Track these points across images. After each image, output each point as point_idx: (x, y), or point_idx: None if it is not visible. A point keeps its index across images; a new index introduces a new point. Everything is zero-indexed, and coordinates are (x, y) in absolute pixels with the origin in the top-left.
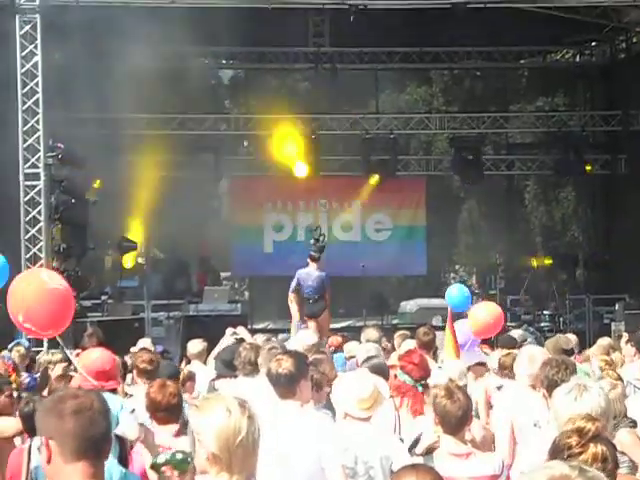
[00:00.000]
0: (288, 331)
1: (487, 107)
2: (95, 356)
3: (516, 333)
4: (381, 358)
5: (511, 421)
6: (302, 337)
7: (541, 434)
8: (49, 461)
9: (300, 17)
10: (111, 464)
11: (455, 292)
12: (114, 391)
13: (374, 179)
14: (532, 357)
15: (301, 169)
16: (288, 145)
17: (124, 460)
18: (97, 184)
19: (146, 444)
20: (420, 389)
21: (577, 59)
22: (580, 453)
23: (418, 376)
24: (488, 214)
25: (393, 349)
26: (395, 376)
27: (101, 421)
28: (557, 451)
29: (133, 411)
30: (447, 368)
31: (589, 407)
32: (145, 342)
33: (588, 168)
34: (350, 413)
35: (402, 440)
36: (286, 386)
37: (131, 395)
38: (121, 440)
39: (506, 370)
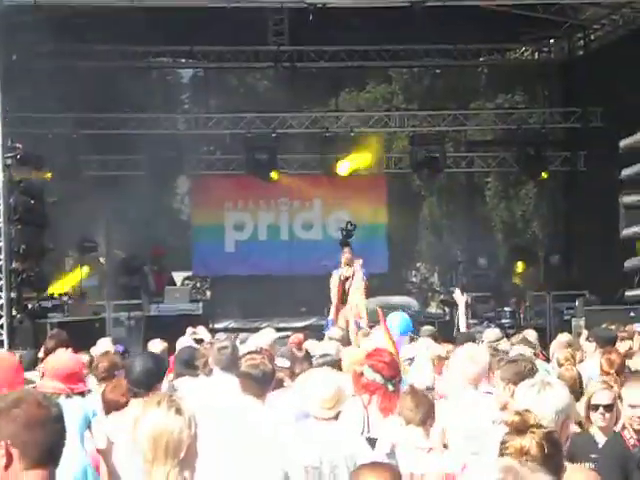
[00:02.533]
0: (249, 330)
1: (447, 105)
2: (62, 359)
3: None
4: (335, 356)
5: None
6: (263, 334)
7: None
8: (7, 467)
9: (259, 16)
10: (86, 464)
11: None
12: (82, 394)
13: (335, 177)
14: (473, 357)
15: (263, 168)
16: (249, 144)
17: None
18: (48, 176)
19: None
20: (391, 388)
21: (535, 56)
22: (507, 448)
23: (389, 375)
24: (449, 211)
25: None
26: (361, 373)
27: (61, 430)
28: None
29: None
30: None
31: (550, 403)
32: (105, 342)
33: (545, 175)
34: (313, 413)
35: (370, 439)
36: (264, 384)
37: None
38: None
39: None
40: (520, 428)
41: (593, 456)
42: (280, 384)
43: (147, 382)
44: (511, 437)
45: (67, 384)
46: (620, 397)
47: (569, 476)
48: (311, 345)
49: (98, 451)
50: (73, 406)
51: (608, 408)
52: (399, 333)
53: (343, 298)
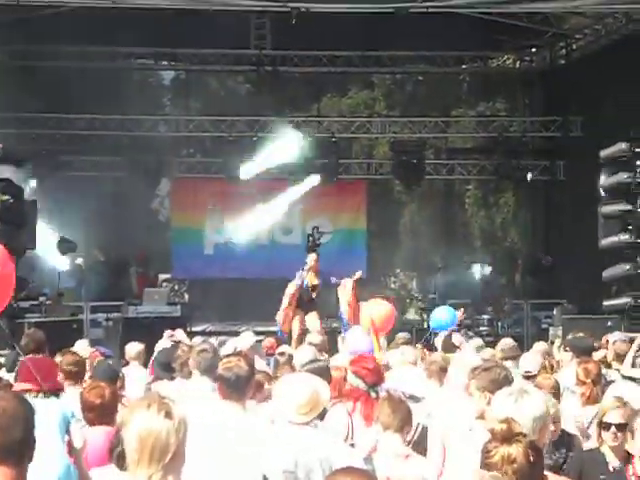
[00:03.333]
0: (227, 333)
1: (428, 112)
2: (37, 360)
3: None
4: (322, 362)
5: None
6: (242, 338)
7: (472, 438)
8: None
9: (242, 19)
10: (69, 465)
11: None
12: (57, 394)
13: (315, 182)
14: (465, 365)
15: (243, 172)
16: (230, 147)
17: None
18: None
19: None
20: (373, 395)
21: (517, 65)
22: (493, 456)
23: (371, 381)
24: (428, 218)
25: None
26: (344, 379)
27: (15, 427)
28: (481, 456)
29: (80, 421)
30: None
31: (528, 411)
32: (82, 344)
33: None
34: (288, 418)
35: (353, 445)
36: (240, 388)
37: None
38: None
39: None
40: (507, 436)
41: (602, 477)
42: (260, 388)
43: None
44: (496, 445)
45: (43, 382)
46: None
47: None
48: (285, 349)
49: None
50: (52, 407)
51: (620, 427)
52: (449, 324)
53: (308, 306)
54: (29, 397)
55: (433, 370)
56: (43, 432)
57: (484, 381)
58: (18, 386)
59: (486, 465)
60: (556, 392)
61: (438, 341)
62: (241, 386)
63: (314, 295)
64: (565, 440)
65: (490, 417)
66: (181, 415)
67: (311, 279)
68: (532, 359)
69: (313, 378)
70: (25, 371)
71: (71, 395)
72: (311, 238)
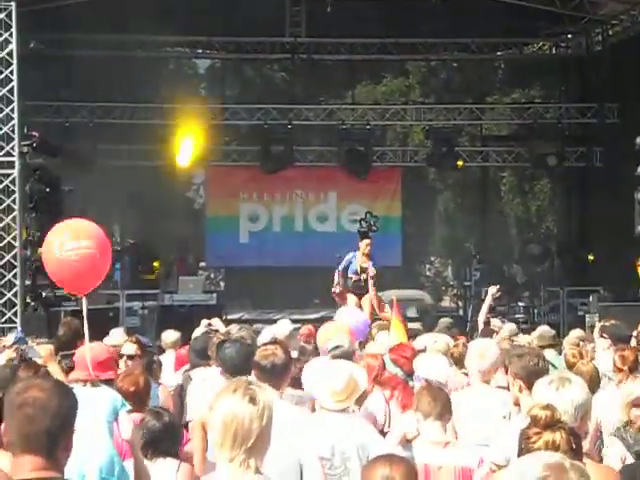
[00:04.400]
0: (263, 321)
1: (463, 99)
2: (92, 346)
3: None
4: (346, 347)
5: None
6: (279, 326)
7: (510, 426)
8: (5, 448)
9: (277, 7)
10: (112, 452)
11: None
12: (111, 383)
13: (350, 170)
14: (482, 352)
15: (277, 159)
16: (265, 135)
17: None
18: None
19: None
20: (411, 383)
21: (553, 51)
22: (535, 442)
23: (409, 370)
24: (463, 206)
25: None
26: (383, 366)
27: (44, 418)
28: (520, 442)
29: (130, 411)
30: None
31: (569, 399)
32: (118, 332)
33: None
34: (325, 406)
35: (389, 433)
36: (277, 376)
37: None
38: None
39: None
40: (549, 423)
41: None
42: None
43: None
44: (538, 431)
45: (95, 371)
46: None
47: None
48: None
49: (125, 442)
50: (101, 395)
51: None
52: None
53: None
54: (78, 387)
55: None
56: (88, 422)
57: (516, 368)
58: (72, 375)
59: (527, 451)
60: (595, 379)
61: (480, 323)
62: (277, 374)
63: (364, 277)
64: None
65: (524, 404)
66: (266, 400)
67: (360, 262)
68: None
69: (350, 365)
70: (79, 360)
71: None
72: (365, 223)
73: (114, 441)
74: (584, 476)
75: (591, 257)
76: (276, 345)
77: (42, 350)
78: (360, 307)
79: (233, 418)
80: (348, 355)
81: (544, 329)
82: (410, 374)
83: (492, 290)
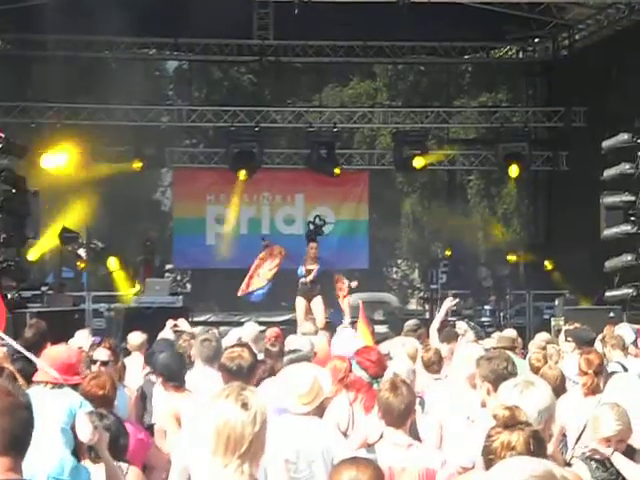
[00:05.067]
0: (229, 324)
1: (431, 102)
2: (61, 349)
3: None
4: (306, 351)
5: (440, 419)
6: (246, 328)
7: (474, 427)
8: None
9: (245, 9)
10: (64, 456)
11: None
12: (76, 387)
13: (316, 172)
14: (469, 357)
15: (245, 162)
16: (232, 137)
17: (77, 452)
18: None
19: (99, 447)
20: (375, 386)
21: (520, 55)
22: (493, 442)
23: (374, 373)
24: (430, 209)
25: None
26: (350, 369)
27: (29, 419)
28: (485, 440)
29: (91, 412)
30: (394, 365)
31: (532, 403)
32: (84, 333)
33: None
34: (290, 408)
35: (352, 435)
36: (243, 378)
37: None
38: (75, 433)
39: (433, 366)
40: (508, 423)
41: None
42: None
43: None
44: (498, 431)
45: (61, 375)
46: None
47: None
48: (290, 340)
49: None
50: (59, 398)
51: None
52: None
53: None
54: (39, 387)
55: (431, 361)
56: (39, 425)
57: (485, 370)
58: (36, 377)
59: (486, 450)
60: (561, 383)
61: (433, 331)
62: (244, 376)
63: (309, 278)
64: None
65: (490, 407)
66: (259, 405)
67: (307, 265)
68: None
69: (315, 368)
70: (46, 361)
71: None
72: (312, 226)
73: (74, 443)
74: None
75: (549, 265)
76: (242, 347)
77: None
78: (309, 310)
79: (225, 424)
80: (307, 359)
81: (505, 332)
82: (375, 377)
83: (448, 303)
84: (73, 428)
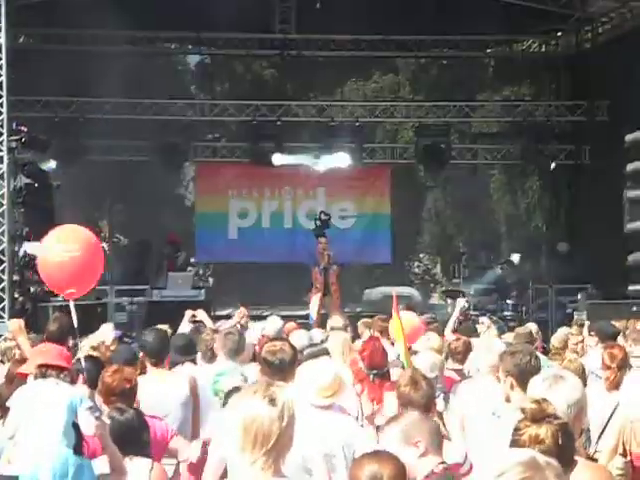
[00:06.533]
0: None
1: (453, 96)
2: (52, 345)
3: (483, 321)
4: (323, 345)
5: (464, 412)
6: (270, 322)
7: (499, 423)
8: None
9: (267, 3)
10: (67, 453)
11: None
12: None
13: (339, 167)
14: (491, 349)
15: (267, 156)
16: (254, 132)
17: (80, 448)
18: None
19: (103, 440)
20: (371, 378)
21: (543, 49)
22: (521, 435)
23: (368, 365)
24: (453, 203)
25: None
26: (357, 363)
27: None
28: (512, 434)
29: (91, 408)
30: (419, 359)
31: (562, 397)
32: (108, 327)
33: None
34: (311, 401)
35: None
36: (284, 371)
37: None
38: (78, 430)
39: (458, 355)
40: (537, 417)
41: None
42: None
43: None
44: (526, 425)
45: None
46: None
47: (580, 471)
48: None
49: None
50: (59, 394)
51: None
52: None
53: (325, 289)
54: (39, 381)
55: (457, 350)
56: (44, 423)
57: (508, 365)
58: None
59: (514, 443)
60: (582, 376)
61: (448, 333)
62: (285, 370)
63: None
64: None
65: (514, 401)
66: (286, 401)
67: (324, 264)
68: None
69: (332, 362)
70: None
71: None
72: (319, 222)
73: (77, 439)
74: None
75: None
76: (283, 341)
77: (10, 325)
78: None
79: (253, 420)
80: (325, 353)
81: (521, 328)
82: (369, 368)
83: (460, 304)
84: (74, 424)
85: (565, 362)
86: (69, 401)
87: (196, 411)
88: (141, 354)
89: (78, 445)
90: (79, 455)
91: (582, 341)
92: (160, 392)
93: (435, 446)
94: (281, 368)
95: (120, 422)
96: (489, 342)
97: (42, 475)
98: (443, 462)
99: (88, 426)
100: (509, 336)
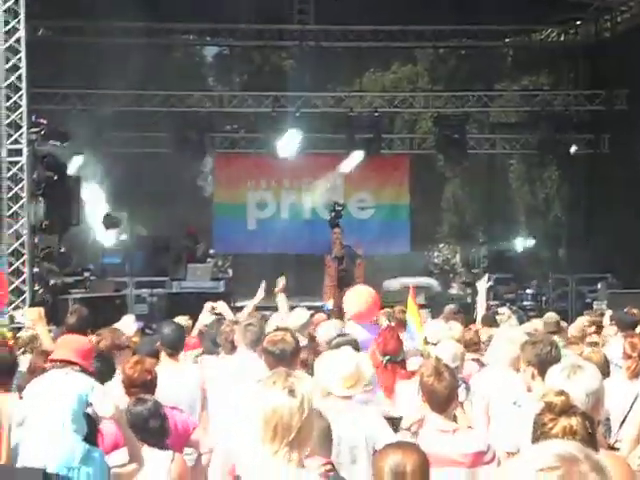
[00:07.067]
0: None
1: (471, 86)
2: (77, 337)
3: (503, 311)
4: (351, 336)
5: (487, 401)
6: (297, 314)
7: (520, 413)
8: None
9: None
10: (74, 442)
11: None
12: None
13: (358, 157)
14: (511, 339)
15: (285, 147)
16: (272, 122)
17: (93, 438)
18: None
19: (120, 424)
20: (384, 363)
21: (562, 38)
22: (551, 428)
23: (381, 351)
24: (472, 193)
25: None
26: (375, 352)
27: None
28: (535, 428)
29: (105, 393)
30: (440, 349)
31: (581, 387)
32: (129, 319)
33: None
34: (333, 391)
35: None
36: (286, 361)
37: None
38: (90, 419)
39: (475, 346)
40: (565, 409)
41: None
42: (304, 364)
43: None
44: (554, 417)
45: (82, 360)
46: None
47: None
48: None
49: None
50: (72, 383)
51: None
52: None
53: (340, 279)
54: (55, 371)
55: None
56: (52, 411)
57: (529, 355)
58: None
59: (544, 436)
60: (605, 366)
61: (479, 310)
62: (287, 359)
63: (341, 267)
64: None
65: (535, 391)
66: (306, 392)
67: (337, 252)
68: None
69: (355, 352)
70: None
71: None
72: (333, 212)
73: (88, 429)
74: (597, 469)
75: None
76: (285, 331)
77: (30, 313)
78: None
79: (274, 412)
80: (352, 344)
81: (548, 315)
82: (382, 354)
83: (482, 283)
84: (85, 414)
85: (588, 352)
86: (79, 391)
87: (204, 403)
88: (157, 344)
89: (90, 435)
90: (90, 444)
91: (596, 332)
92: (173, 384)
93: (319, 447)
94: (282, 358)
95: (141, 412)
96: (511, 333)
97: (49, 463)
98: (329, 463)
99: (104, 409)
100: (533, 324)
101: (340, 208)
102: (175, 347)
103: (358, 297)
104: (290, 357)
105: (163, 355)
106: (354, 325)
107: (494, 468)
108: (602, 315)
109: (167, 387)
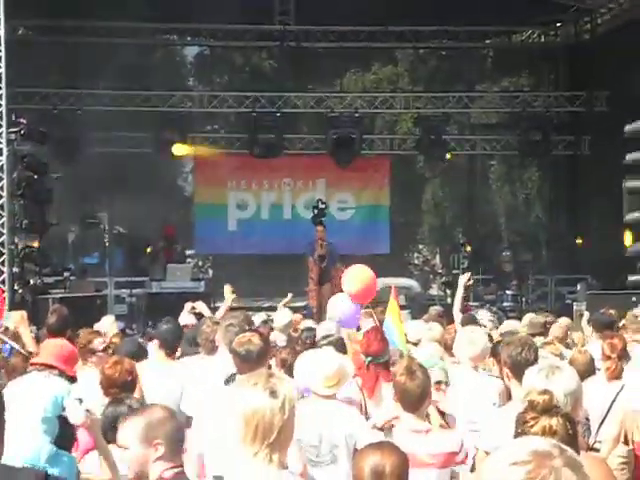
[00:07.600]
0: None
1: (452, 87)
2: (61, 342)
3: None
4: (337, 336)
5: (458, 401)
6: (280, 315)
7: (498, 412)
8: None
9: None
10: (41, 443)
11: None
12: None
13: (338, 158)
14: (472, 339)
15: (266, 147)
16: (253, 123)
17: (65, 442)
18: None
19: (91, 433)
20: (366, 363)
21: (542, 40)
22: (532, 426)
23: (364, 351)
24: (452, 194)
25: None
26: (358, 353)
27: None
28: (517, 426)
29: (80, 400)
30: (420, 351)
31: (560, 387)
32: (109, 319)
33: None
34: (315, 390)
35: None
36: (253, 363)
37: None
38: (66, 423)
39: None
40: (547, 408)
41: None
42: (284, 364)
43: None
44: (535, 416)
45: (64, 365)
46: None
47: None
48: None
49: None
50: (47, 385)
51: None
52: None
53: (321, 278)
54: (34, 374)
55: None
56: (24, 411)
57: (503, 355)
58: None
59: (524, 434)
60: (589, 367)
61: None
62: (253, 361)
63: (323, 265)
64: None
65: (513, 392)
66: (287, 393)
67: (320, 251)
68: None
69: (336, 353)
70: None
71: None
72: (316, 210)
73: (59, 432)
74: (571, 464)
75: (579, 240)
76: (253, 333)
77: (14, 315)
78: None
79: (254, 412)
80: (340, 342)
81: (532, 316)
82: (365, 355)
83: (463, 279)
84: (60, 417)
85: (574, 353)
86: (55, 393)
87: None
88: (156, 342)
89: (61, 438)
90: (60, 447)
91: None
92: (164, 383)
93: (174, 449)
94: (247, 359)
95: (119, 413)
96: (472, 335)
97: (13, 460)
98: (179, 467)
99: (75, 416)
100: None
101: (323, 206)
102: (172, 346)
103: (359, 275)
104: (256, 358)
105: (162, 354)
106: (344, 298)
107: (466, 468)
108: (581, 316)
109: (156, 386)
